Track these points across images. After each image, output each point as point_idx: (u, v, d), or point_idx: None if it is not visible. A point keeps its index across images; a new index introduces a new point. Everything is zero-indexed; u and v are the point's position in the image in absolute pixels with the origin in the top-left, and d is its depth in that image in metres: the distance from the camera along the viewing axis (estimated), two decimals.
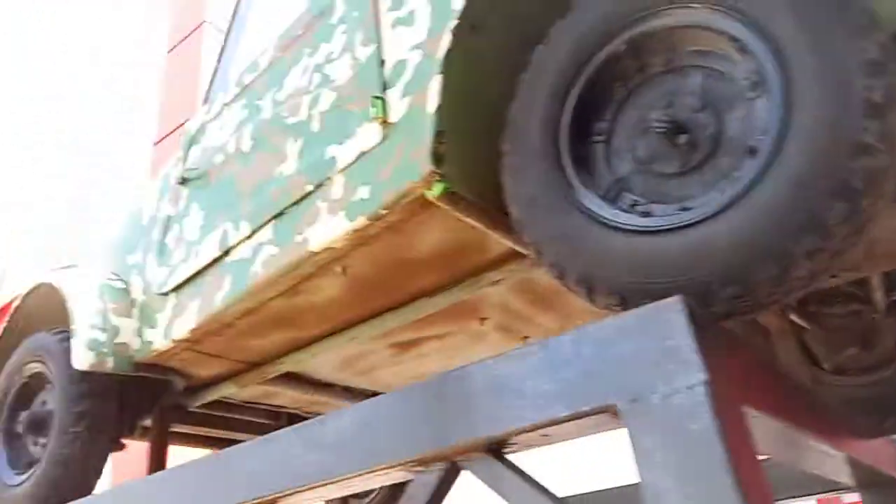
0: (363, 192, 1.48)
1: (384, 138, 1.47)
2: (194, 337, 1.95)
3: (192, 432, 2.81)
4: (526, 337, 2.23)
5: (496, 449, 1.11)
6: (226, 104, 2.10)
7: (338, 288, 1.77)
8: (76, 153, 12.28)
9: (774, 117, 0.97)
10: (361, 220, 1.48)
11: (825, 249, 0.92)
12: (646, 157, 1.14)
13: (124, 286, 2.28)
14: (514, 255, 1.63)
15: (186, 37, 10.54)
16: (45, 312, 2.52)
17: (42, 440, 2.26)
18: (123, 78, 12.01)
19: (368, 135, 1.51)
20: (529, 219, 1.19)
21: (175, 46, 10.69)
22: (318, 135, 1.68)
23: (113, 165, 11.34)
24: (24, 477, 2.21)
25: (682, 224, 1.01)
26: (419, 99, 1.42)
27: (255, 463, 1.39)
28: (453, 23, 1.28)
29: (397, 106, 1.47)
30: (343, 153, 1.56)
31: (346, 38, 1.69)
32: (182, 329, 1.94)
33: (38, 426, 2.28)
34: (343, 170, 1.56)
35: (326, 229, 1.55)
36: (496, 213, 1.45)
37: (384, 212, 1.44)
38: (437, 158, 1.30)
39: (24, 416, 2.31)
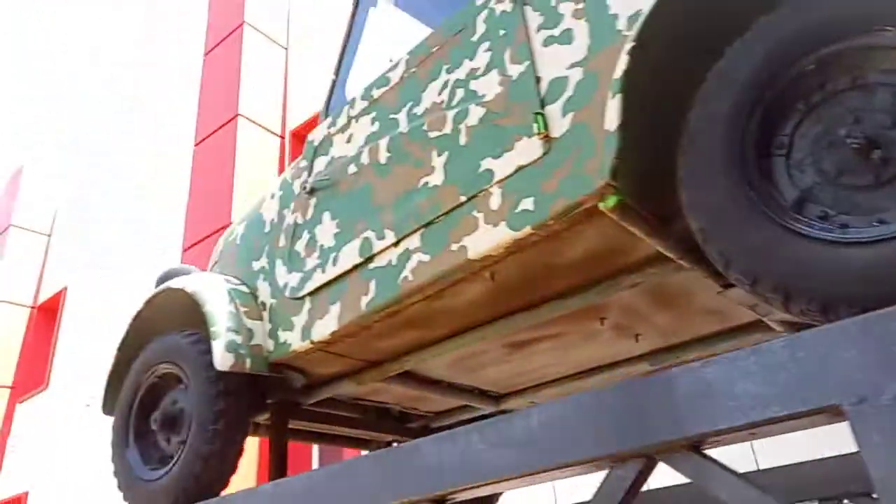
0: (527, 204, 1.56)
1: (546, 152, 1.55)
2: (334, 339, 2.06)
3: (294, 427, 2.92)
4: (638, 335, 2.31)
5: (696, 445, 1.19)
6: (353, 117, 2.18)
7: (480, 291, 1.86)
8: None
9: None
10: (527, 230, 1.56)
11: None
12: (834, 170, 1.20)
13: (249, 290, 2.39)
14: (656, 259, 1.70)
15: (225, 38, 10.72)
16: (160, 316, 2.66)
17: (175, 437, 2.38)
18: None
19: (529, 149, 1.59)
20: (717, 230, 1.26)
21: (213, 48, 10.87)
22: (466, 148, 1.76)
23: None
24: (161, 472, 2.33)
25: (890, 236, 1.08)
26: (586, 115, 1.49)
27: (434, 458, 1.48)
28: (630, 44, 1.35)
29: (559, 122, 1.55)
30: (500, 166, 1.64)
31: (490, 56, 1.77)
32: (323, 331, 2.04)
33: (171, 424, 2.39)
34: (500, 182, 1.64)
35: (487, 238, 1.63)
36: (654, 220, 1.53)
37: (552, 222, 1.52)
38: (614, 172, 1.38)
39: (156, 414, 2.43)
